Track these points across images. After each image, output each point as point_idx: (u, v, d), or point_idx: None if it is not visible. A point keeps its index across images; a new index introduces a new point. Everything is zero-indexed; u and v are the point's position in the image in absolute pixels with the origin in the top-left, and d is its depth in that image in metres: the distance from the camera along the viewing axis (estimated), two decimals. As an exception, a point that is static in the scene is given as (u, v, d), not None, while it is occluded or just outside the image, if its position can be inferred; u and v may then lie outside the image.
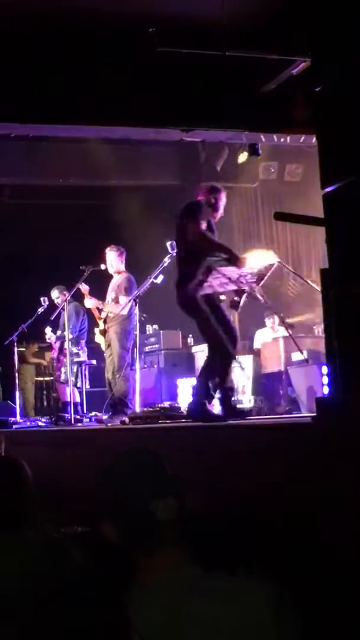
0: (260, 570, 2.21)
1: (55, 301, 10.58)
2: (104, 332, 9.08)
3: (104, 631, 1.51)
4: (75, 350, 10.28)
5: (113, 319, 8.99)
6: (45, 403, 14.08)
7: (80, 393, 10.74)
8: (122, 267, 9.23)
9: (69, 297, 9.84)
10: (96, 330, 9.48)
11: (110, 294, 9.19)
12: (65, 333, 9.73)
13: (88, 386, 11.13)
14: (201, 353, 11.96)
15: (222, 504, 4.05)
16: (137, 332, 8.70)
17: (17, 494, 3.13)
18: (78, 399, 10.45)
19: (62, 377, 10.57)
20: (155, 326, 12.25)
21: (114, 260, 9.18)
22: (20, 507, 3.10)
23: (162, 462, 2.34)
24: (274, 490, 3.73)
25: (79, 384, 10.59)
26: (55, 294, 10.68)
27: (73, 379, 10.00)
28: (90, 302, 9.38)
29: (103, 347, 9.31)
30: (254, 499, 3.86)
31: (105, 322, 9.06)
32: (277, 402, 9.49)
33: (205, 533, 2.53)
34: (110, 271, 9.22)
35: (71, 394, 9.62)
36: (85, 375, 11.01)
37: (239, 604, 2.07)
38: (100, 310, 9.22)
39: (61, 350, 10.61)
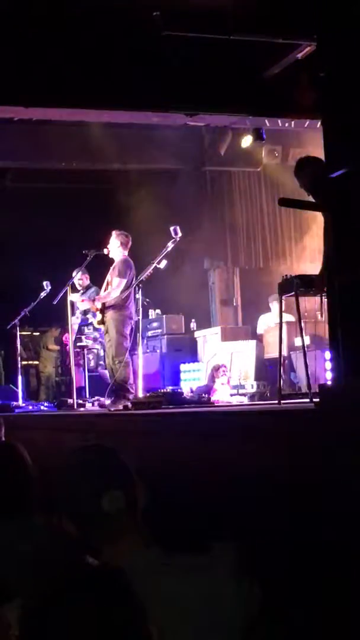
0: (220, 543, 2.30)
1: (77, 283, 10.45)
2: (102, 322, 9.05)
3: (114, 623, 1.51)
4: (91, 334, 10.35)
5: (110, 303, 8.96)
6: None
7: (82, 378, 10.75)
8: (124, 251, 9.15)
9: (70, 283, 9.82)
10: (93, 320, 9.48)
11: (107, 278, 9.17)
12: (68, 317, 9.71)
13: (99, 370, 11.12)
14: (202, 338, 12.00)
15: (220, 488, 4.06)
16: (140, 317, 8.68)
17: (15, 479, 3.13)
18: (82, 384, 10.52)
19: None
20: (158, 311, 12.24)
21: (113, 243, 9.14)
22: (20, 492, 3.10)
23: (114, 456, 2.41)
24: (275, 474, 3.73)
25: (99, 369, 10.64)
26: (78, 275, 10.45)
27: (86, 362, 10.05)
28: (83, 305, 9.39)
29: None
30: (254, 483, 3.86)
31: (102, 311, 9.01)
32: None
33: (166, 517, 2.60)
34: (110, 255, 9.18)
35: (73, 379, 9.63)
36: (90, 359, 11.01)
37: (202, 577, 2.15)
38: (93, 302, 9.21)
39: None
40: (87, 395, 10.36)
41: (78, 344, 10.36)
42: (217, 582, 2.15)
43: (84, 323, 10.52)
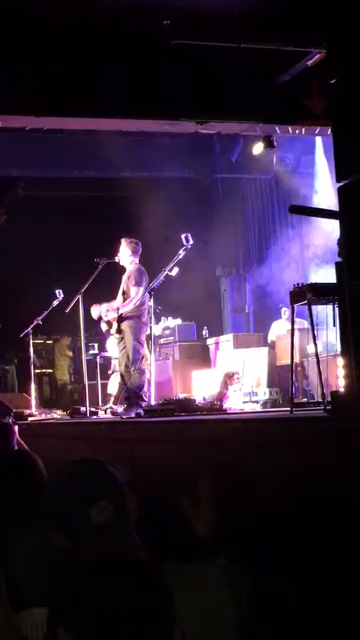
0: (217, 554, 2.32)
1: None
2: (119, 331, 9.03)
3: (141, 625, 1.52)
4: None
5: (126, 312, 8.96)
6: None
7: (95, 386, 10.79)
8: (134, 259, 9.14)
9: (82, 291, 9.82)
10: (112, 330, 9.49)
11: (122, 286, 9.17)
12: (80, 326, 9.70)
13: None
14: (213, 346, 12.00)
15: (230, 497, 4.05)
16: (152, 325, 8.68)
17: (29, 486, 3.15)
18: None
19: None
20: (170, 318, 12.26)
21: (123, 251, 9.14)
22: (34, 500, 3.12)
23: (103, 469, 2.40)
24: (288, 482, 3.73)
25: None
26: None
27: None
28: (110, 316, 9.30)
29: (115, 341, 9.35)
30: (267, 491, 3.86)
31: (118, 320, 8.99)
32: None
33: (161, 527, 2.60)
34: (121, 262, 9.19)
35: (86, 386, 9.64)
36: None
37: (200, 587, 2.16)
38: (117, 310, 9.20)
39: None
40: (101, 403, 10.41)
41: (91, 351, 10.40)
42: (212, 590, 2.16)
43: None
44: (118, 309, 9.03)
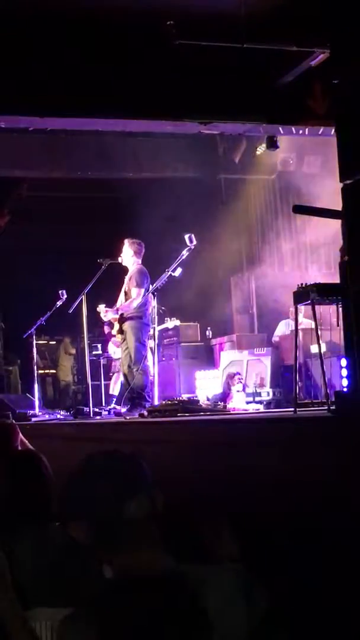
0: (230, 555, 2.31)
1: None
2: (120, 331, 9.04)
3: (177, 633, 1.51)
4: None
5: (128, 313, 8.97)
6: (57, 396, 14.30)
7: (99, 386, 10.80)
8: (137, 259, 9.15)
9: (86, 291, 9.83)
10: (113, 331, 9.50)
11: (124, 287, 9.18)
12: (84, 326, 9.71)
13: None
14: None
15: (235, 497, 4.06)
16: (156, 325, 8.69)
17: (37, 487, 3.15)
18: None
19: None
20: (174, 319, 12.25)
21: (126, 252, 9.15)
22: (40, 500, 3.12)
23: (137, 462, 2.38)
24: (291, 482, 3.73)
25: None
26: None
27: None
28: (108, 316, 9.29)
29: (118, 340, 9.36)
30: (271, 491, 3.86)
31: (120, 320, 9.00)
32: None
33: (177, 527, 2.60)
34: (124, 263, 9.20)
35: (89, 387, 9.64)
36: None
37: (212, 588, 2.14)
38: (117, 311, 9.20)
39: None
40: (104, 404, 10.40)
41: (94, 352, 10.40)
42: (224, 591, 2.16)
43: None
44: (118, 309, 9.05)
